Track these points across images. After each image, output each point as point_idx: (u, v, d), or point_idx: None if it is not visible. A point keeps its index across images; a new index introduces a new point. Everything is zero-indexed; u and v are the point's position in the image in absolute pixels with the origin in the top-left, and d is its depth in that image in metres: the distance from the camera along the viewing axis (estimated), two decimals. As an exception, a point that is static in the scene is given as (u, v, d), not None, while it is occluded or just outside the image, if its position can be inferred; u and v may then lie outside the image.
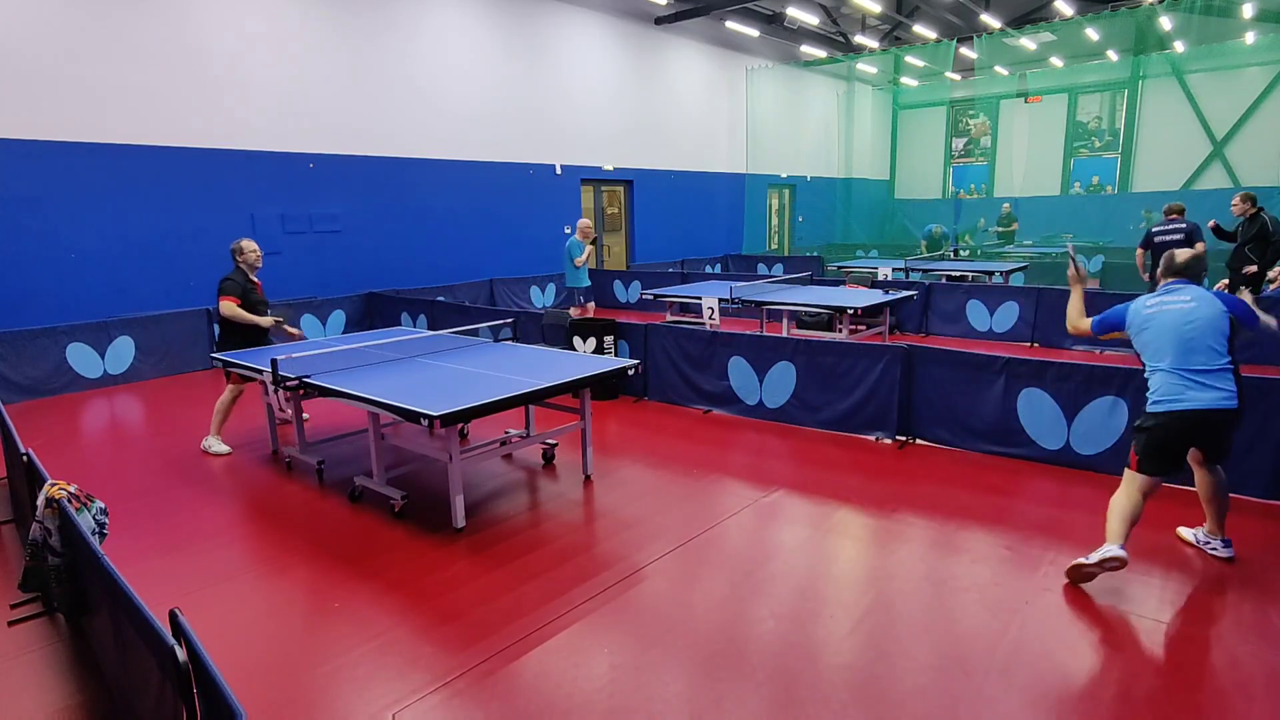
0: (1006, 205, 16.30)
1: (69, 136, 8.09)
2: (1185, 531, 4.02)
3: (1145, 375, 3.69)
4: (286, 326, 6.21)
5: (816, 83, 20.50)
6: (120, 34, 8.34)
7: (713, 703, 2.73)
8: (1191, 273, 3.81)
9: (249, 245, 5.99)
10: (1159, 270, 3.95)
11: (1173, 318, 3.64)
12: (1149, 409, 3.59)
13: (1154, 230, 8.41)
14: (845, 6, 16.81)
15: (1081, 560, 3.51)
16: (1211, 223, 8.96)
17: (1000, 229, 16.22)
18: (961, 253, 16.04)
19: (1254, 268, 8.25)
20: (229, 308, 5.81)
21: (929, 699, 2.73)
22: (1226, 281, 8.87)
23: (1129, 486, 3.60)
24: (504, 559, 3.89)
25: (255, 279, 6.05)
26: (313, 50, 10.03)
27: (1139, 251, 8.72)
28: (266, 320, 5.95)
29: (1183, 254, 3.87)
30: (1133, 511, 3.54)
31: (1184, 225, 8.19)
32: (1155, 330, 3.66)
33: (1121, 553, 3.44)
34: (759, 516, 4.40)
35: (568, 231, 9.28)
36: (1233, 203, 8.47)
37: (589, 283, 9.49)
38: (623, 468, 5.27)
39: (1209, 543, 3.84)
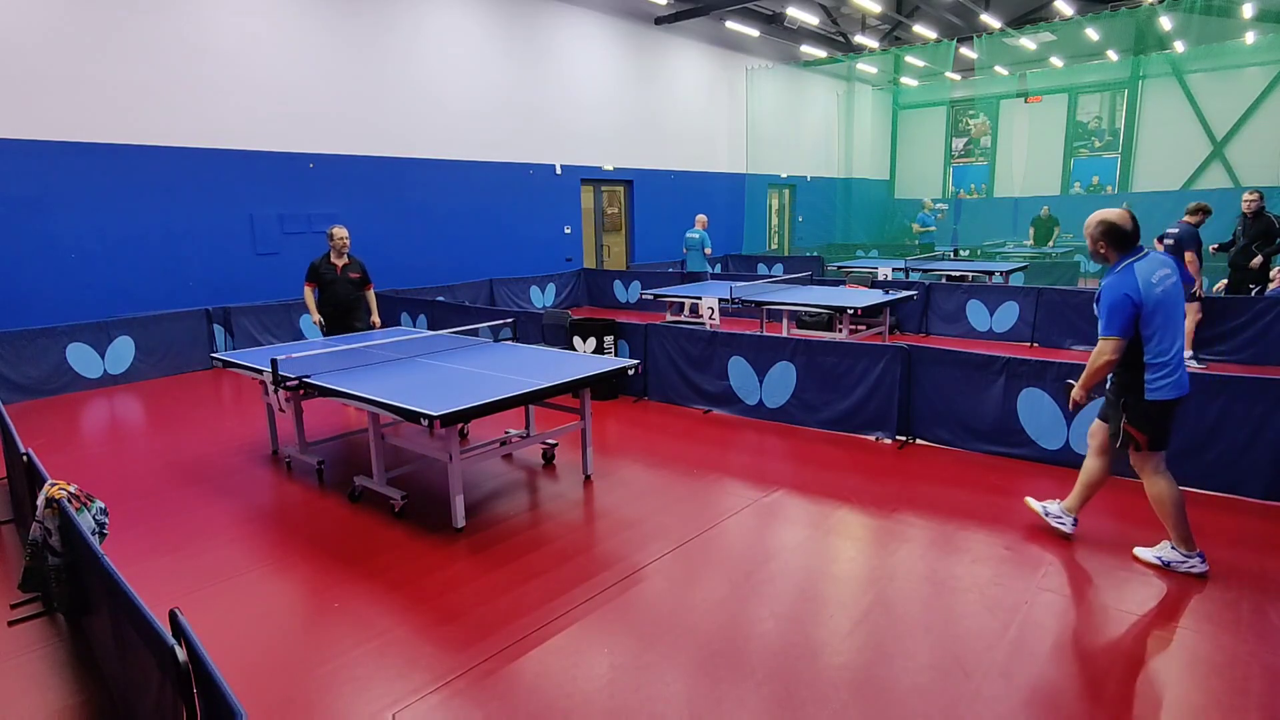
0: (1045, 208, 16.21)
1: (69, 136, 8.09)
2: (1145, 553, 3.76)
3: (1151, 359, 3.41)
4: (373, 317, 6.95)
5: (816, 83, 20.50)
6: (120, 34, 8.34)
7: (713, 703, 2.73)
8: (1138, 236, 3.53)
9: (335, 231, 6.69)
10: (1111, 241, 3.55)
11: (1172, 297, 3.42)
12: (1154, 396, 3.41)
13: (1167, 230, 8.04)
14: (845, 6, 16.82)
15: (1148, 557, 3.70)
16: (1213, 247, 8.86)
17: (1035, 231, 16.08)
18: (962, 252, 16.04)
19: (1260, 259, 8.17)
20: (304, 293, 6.71)
21: (929, 699, 2.73)
22: (1226, 281, 8.86)
23: (1159, 470, 3.58)
24: (504, 559, 3.89)
25: (337, 261, 6.66)
26: (313, 50, 10.03)
27: (1156, 242, 8.48)
28: (315, 315, 6.67)
29: (1126, 217, 3.50)
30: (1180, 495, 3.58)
31: (1177, 230, 7.77)
32: (1165, 312, 3.39)
33: (1203, 565, 3.59)
34: (759, 516, 4.40)
35: (697, 233, 11.72)
36: (1247, 197, 8.19)
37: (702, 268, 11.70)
38: (623, 468, 5.26)
39: (1061, 517, 3.99)
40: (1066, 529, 3.97)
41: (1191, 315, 7.91)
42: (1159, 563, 3.67)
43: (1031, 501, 4.19)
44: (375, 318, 6.92)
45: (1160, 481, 3.57)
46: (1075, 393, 3.66)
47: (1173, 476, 3.60)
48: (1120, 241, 3.49)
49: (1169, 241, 7.92)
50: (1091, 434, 3.86)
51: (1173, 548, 3.63)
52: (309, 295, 6.64)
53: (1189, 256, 7.74)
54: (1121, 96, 19.45)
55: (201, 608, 3.45)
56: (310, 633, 3.25)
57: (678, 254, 16.11)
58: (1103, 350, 3.44)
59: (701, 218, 11.87)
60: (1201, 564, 3.56)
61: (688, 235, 12.05)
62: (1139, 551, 3.77)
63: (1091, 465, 3.84)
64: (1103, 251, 3.54)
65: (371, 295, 6.90)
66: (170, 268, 9.01)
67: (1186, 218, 7.96)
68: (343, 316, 6.71)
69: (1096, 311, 3.53)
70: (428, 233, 11.77)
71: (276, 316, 9.54)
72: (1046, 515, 4.05)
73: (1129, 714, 2.64)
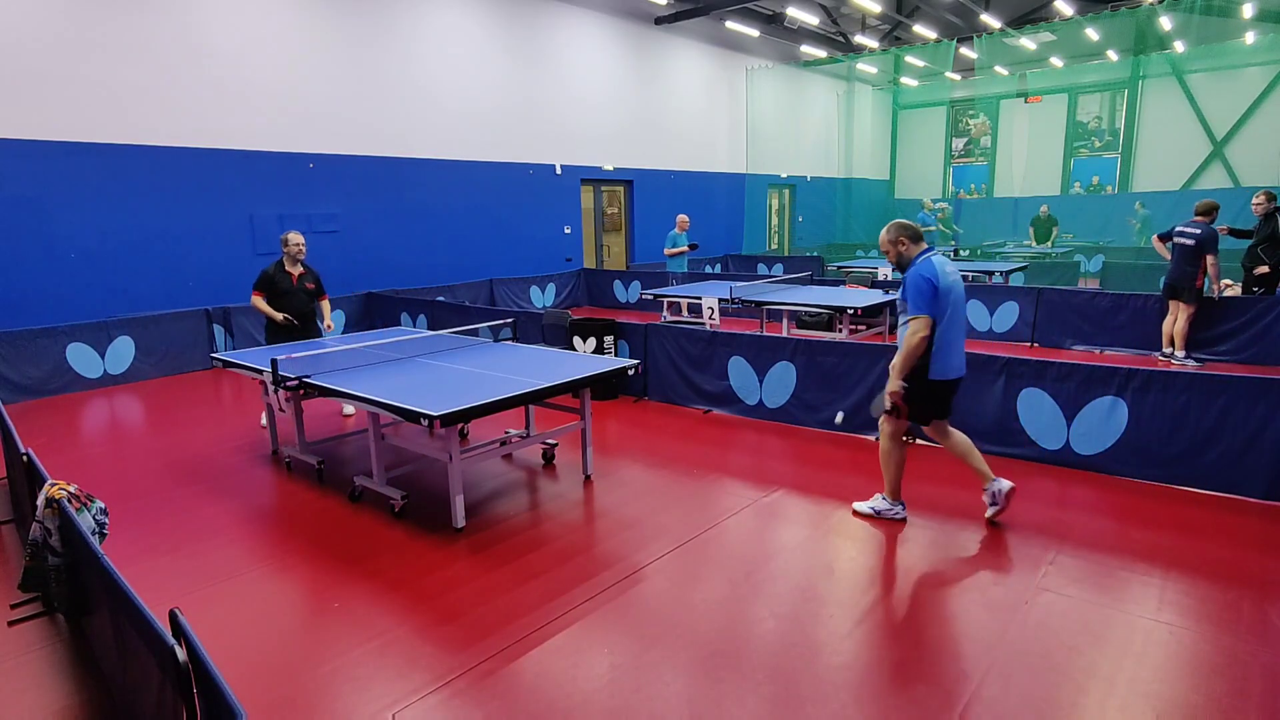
0: (1044, 208, 16.15)
1: (69, 136, 8.09)
2: (862, 505, 4.42)
3: (938, 343, 3.89)
4: (325, 323, 6.54)
5: (816, 83, 20.51)
6: (121, 34, 8.34)
7: (713, 703, 2.73)
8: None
9: (291, 237, 6.27)
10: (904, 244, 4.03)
11: (959, 288, 3.97)
12: (935, 376, 3.92)
13: (1176, 228, 7.94)
14: (845, 6, 16.82)
15: (863, 509, 4.32)
16: (1223, 228, 8.83)
17: (1035, 231, 16.00)
18: (962, 252, 16.03)
19: (1266, 268, 8.14)
20: (253, 301, 6.21)
21: (929, 699, 2.73)
22: (1230, 282, 8.84)
23: (898, 437, 4.15)
24: (504, 559, 3.89)
25: (293, 270, 6.29)
26: (313, 50, 10.03)
27: (1156, 240, 8.29)
28: (278, 315, 6.20)
29: (913, 225, 4.05)
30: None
31: (1198, 231, 7.66)
32: (954, 300, 3.92)
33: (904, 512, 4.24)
34: (759, 516, 4.40)
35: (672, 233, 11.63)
36: (1254, 200, 8.22)
37: (683, 269, 11.59)
38: (623, 468, 5.26)
39: (994, 502, 4.20)
40: (1004, 487, 4.14)
41: (1185, 315, 7.85)
42: (872, 512, 4.30)
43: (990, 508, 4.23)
44: (329, 322, 6.53)
45: (896, 447, 4.17)
46: (892, 385, 3.94)
47: (903, 445, 4.21)
48: (915, 235, 4.04)
49: (1188, 243, 7.74)
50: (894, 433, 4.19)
51: (883, 498, 4.29)
52: (261, 303, 6.13)
53: (1210, 260, 7.66)
54: (1121, 96, 19.45)
55: (201, 608, 3.45)
56: (310, 633, 3.25)
57: (677, 254, 16.12)
58: (916, 329, 3.85)
59: (681, 218, 11.40)
60: (902, 510, 4.26)
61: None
62: (857, 505, 4.40)
63: (952, 445, 4.19)
64: (903, 249, 4.04)
65: (326, 305, 6.50)
66: (170, 268, 9.01)
67: (1200, 218, 7.79)
68: (301, 330, 6.32)
69: (901, 305, 4.03)
70: (428, 233, 11.77)
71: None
72: (994, 503, 4.22)
73: (1130, 713, 2.64)
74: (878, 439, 5.71)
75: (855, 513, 4.38)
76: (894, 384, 3.95)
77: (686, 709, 2.70)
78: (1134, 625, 3.18)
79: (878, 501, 4.33)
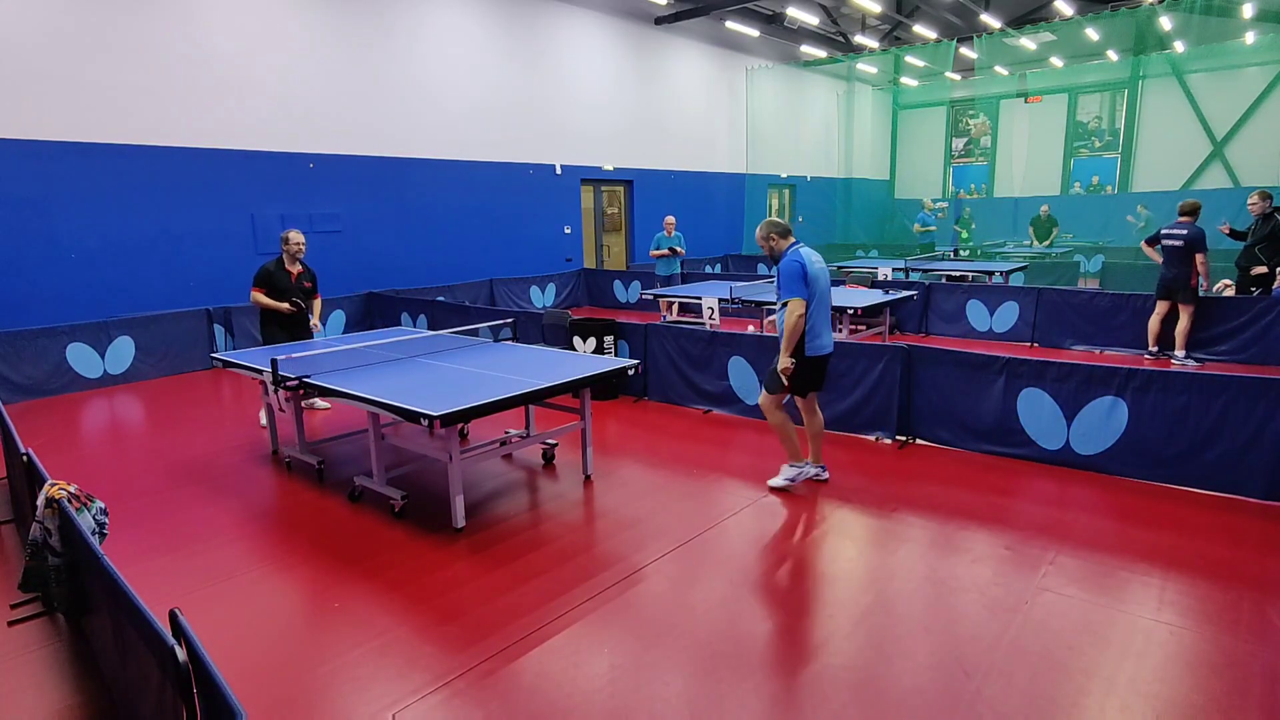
0: (1044, 208, 16.09)
1: (69, 136, 8.09)
2: (776, 481, 4.84)
3: (808, 324, 4.39)
4: (313, 321, 6.54)
5: (816, 83, 20.50)
6: (121, 34, 8.34)
7: (713, 703, 2.73)
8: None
9: (292, 235, 6.34)
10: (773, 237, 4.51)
11: (825, 276, 4.49)
12: (810, 353, 4.44)
13: (1162, 230, 8.01)
14: (845, 6, 16.82)
15: (779, 484, 4.69)
16: (1224, 227, 8.81)
17: (1035, 231, 15.93)
18: (962, 253, 16.03)
19: (1264, 268, 8.14)
20: (253, 297, 6.27)
21: (929, 699, 2.73)
22: (1228, 282, 8.84)
23: (781, 407, 4.62)
24: (504, 559, 3.89)
25: (292, 268, 6.36)
26: (313, 50, 10.03)
27: (1145, 245, 8.33)
28: (283, 305, 6.25)
29: (781, 222, 4.52)
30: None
31: (1185, 232, 7.72)
32: (820, 287, 4.43)
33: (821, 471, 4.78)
34: (759, 516, 4.40)
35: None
36: (1249, 200, 8.25)
37: (668, 272, 11.48)
38: (623, 468, 5.26)
39: (817, 473, 4.87)
40: (824, 476, 4.86)
41: (1186, 315, 7.87)
42: (787, 484, 4.69)
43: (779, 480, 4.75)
44: (316, 321, 6.50)
45: (781, 415, 4.62)
46: (782, 361, 4.42)
47: (788, 414, 4.69)
48: (784, 231, 4.50)
49: (1176, 244, 7.80)
50: (777, 406, 4.64)
51: (789, 466, 4.70)
52: (262, 297, 6.16)
53: (1200, 259, 7.70)
54: (1121, 96, 19.45)
55: (201, 608, 3.45)
56: (310, 633, 3.25)
57: (677, 254, 16.08)
58: (793, 310, 4.33)
59: (668, 219, 11.41)
60: (810, 467, 4.74)
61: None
62: (771, 482, 4.73)
63: (811, 422, 4.81)
64: (774, 243, 4.50)
65: (318, 304, 6.54)
66: (170, 268, 9.01)
67: (1186, 218, 7.86)
68: (296, 327, 6.35)
69: (777, 292, 4.48)
70: (428, 233, 11.77)
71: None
72: (794, 481, 4.79)
73: (1130, 713, 2.64)
74: (880, 438, 5.74)
75: (771, 489, 4.70)
76: (784, 360, 4.42)
77: (686, 709, 2.70)
78: (1134, 625, 3.18)
79: (786, 470, 4.67)
